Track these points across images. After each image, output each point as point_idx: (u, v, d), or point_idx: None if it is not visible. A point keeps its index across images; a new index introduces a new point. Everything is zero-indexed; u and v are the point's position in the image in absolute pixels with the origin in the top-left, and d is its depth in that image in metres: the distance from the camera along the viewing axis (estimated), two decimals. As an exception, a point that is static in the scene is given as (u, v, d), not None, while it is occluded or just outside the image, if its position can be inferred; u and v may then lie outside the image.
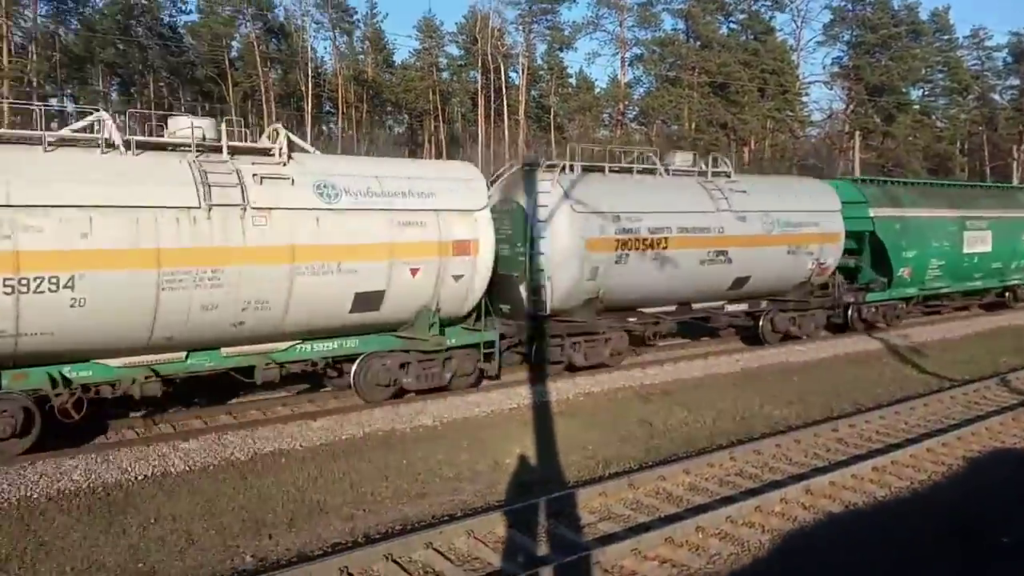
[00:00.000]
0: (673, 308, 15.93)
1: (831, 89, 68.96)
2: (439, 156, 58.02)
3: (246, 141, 11.48)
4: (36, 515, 7.90)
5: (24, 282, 8.84)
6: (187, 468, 9.29)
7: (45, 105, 11.51)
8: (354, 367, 11.98)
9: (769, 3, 65.71)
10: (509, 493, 8.78)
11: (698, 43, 63.27)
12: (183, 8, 60.62)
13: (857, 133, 59.94)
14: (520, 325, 13.85)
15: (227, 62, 57.67)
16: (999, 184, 35.76)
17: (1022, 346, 18.39)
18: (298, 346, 11.34)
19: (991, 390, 13.89)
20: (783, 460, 9.94)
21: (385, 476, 9.23)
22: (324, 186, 10.94)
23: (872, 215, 19.31)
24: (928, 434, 11.04)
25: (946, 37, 67.84)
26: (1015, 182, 56.99)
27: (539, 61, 68.44)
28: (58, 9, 55.03)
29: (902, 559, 7.09)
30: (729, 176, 16.65)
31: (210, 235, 9.95)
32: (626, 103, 65.96)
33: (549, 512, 7.84)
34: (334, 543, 7.42)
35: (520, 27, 66.48)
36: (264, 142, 11.23)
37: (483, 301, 12.69)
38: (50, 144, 9.59)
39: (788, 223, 16.74)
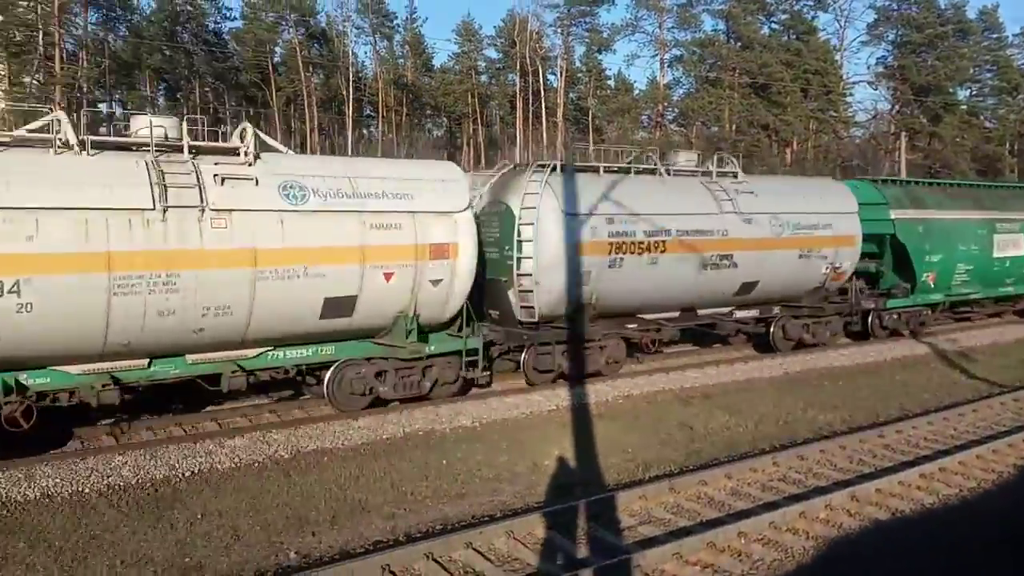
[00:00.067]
0: (676, 314, 15.32)
1: (876, 89, 67.68)
2: (477, 159, 58.31)
3: (223, 141, 11.09)
4: (87, 509, 8.11)
5: None
6: (233, 465, 9.47)
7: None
8: (327, 375, 11.48)
9: (811, 3, 64.76)
10: (548, 495, 8.77)
11: (739, 44, 62.57)
12: (228, 15, 61.92)
13: (903, 134, 58.80)
14: (509, 332, 13.30)
15: (270, 67, 58.66)
16: None
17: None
18: (269, 353, 10.89)
19: (1044, 397, 13.49)
20: (828, 466, 9.78)
21: (425, 476, 9.30)
22: (290, 187, 10.48)
23: (893, 217, 18.45)
24: (978, 441, 10.79)
25: (995, 36, 66.04)
26: (1069, 183, 55.30)
27: (577, 63, 68.42)
28: (107, 16, 56.46)
29: (950, 568, 6.95)
30: (736, 176, 16.01)
31: (164, 238, 9.52)
32: (665, 105, 65.47)
33: (589, 514, 7.82)
34: (375, 541, 7.50)
35: (558, 30, 66.53)
36: (235, 142, 10.79)
37: (465, 307, 12.13)
38: (2, 144, 9.40)
39: (799, 226, 16.05)
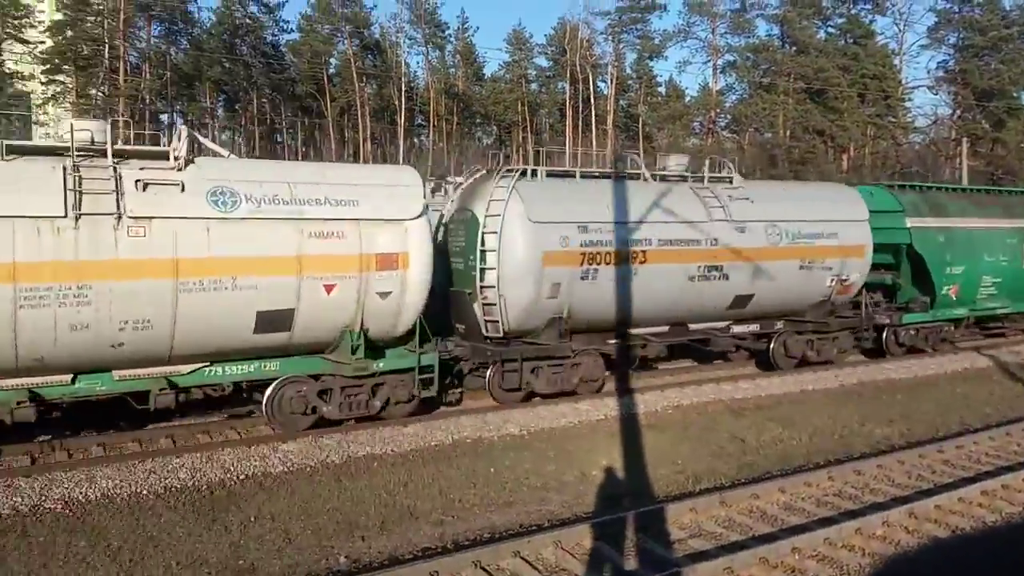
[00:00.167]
0: (665, 329, 14.39)
1: (936, 94, 65.99)
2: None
3: (169, 145, 10.55)
4: (145, 510, 8.33)
5: None
6: (285, 469, 9.62)
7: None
8: (267, 393, 10.85)
9: (869, 7, 63.51)
10: (596, 505, 8.71)
11: (794, 48, 61.63)
12: (285, 27, 63.28)
13: (965, 140, 56.97)
14: (475, 347, 12.62)
15: (325, 78, 59.81)
16: None
17: None
18: (206, 369, 10.38)
19: (1117, 413, 12.91)
20: (885, 481, 9.51)
21: (473, 483, 9.32)
22: (220, 193, 9.88)
23: (909, 225, 17.24)
24: (1045, 458, 10.37)
25: (1063, 37, 63.80)
26: None
27: (628, 70, 68.16)
28: (169, 30, 58.34)
29: (1016, 590, 6.69)
30: (731, 182, 15.04)
31: (76, 247, 9.04)
32: (718, 111, 64.81)
33: (637, 526, 7.74)
34: (424, 547, 7.54)
35: (609, 37, 66.46)
36: (175, 145, 10.26)
37: (419, 321, 11.45)
38: None
39: (800, 234, 14.98)
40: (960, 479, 9.53)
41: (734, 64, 64.43)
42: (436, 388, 11.92)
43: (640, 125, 65.30)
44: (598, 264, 12.78)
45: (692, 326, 14.68)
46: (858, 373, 15.85)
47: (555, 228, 12.43)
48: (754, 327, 15.43)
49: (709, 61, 65.64)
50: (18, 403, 9.35)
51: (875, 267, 17.11)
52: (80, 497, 8.54)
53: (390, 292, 10.96)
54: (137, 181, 9.56)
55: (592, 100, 62.42)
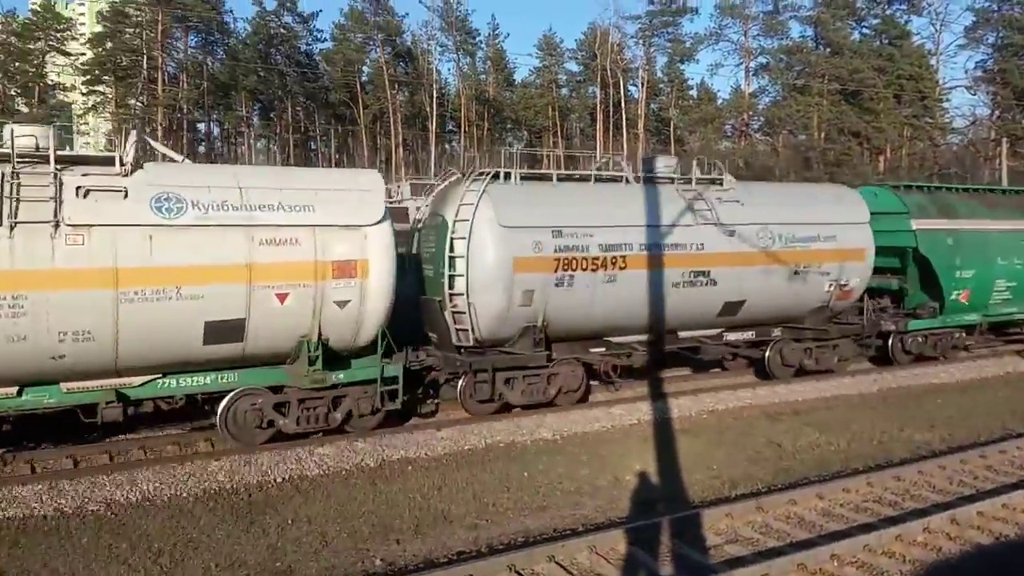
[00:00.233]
0: (653, 337, 13.77)
1: (974, 94, 64.75)
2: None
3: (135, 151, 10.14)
4: (185, 512, 8.46)
5: None
6: (321, 472, 9.72)
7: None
8: (221, 406, 10.48)
9: (904, 7, 62.57)
10: (631, 510, 8.67)
11: (828, 50, 60.94)
12: (319, 36, 64.10)
13: (1004, 140, 55.79)
14: (446, 357, 12.14)
15: (358, 86, 60.48)
16: None
17: None
18: (158, 381, 10.08)
19: None
20: (926, 487, 9.33)
21: (506, 487, 9.32)
22: (165, 199, 9.51)
23: (914, 228, 16.40)
24: (1093, 464, 10.11)
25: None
26: None
27: (659, 74, 67.95)
28: (206, 40, 59.45)
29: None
30: (722, 184, 14.36)
31: (11, 257, 8.79)
32: (750, 113, 64.28)
33: (673, 531, 7.69)
34: (458, 551, 7.56)
35: (640, 41, 66.26)
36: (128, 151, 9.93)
37: (382, 331, 10.96)
38: None
39: (794, 238, 14.25)
40: (1004, 484, 9.30)
41: (767, 66, 63.93)
42: (400, 401, 11.40)
43: (671, 128, 64.99)
44: (574, 270, 12.26)
45: (682, 334, 14.09)
46: (898, 378, 15.58)
47: (527, 233, 11.95)
48: (749, 335, 14.80)
49: (741, 63, 65.21)
50: None
51: (881, 271, 16.60)
52: (122, 499, 8.71)
53: (348, 301, 10.51)
54: (78, 188, 9.24)
55: (623, 104, 62.30)
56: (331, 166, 52.48)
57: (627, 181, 13.65)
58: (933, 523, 7.95)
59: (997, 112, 61.01)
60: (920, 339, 17.03)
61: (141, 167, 9.83)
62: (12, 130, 9.41)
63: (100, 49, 57.48)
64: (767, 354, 15.14)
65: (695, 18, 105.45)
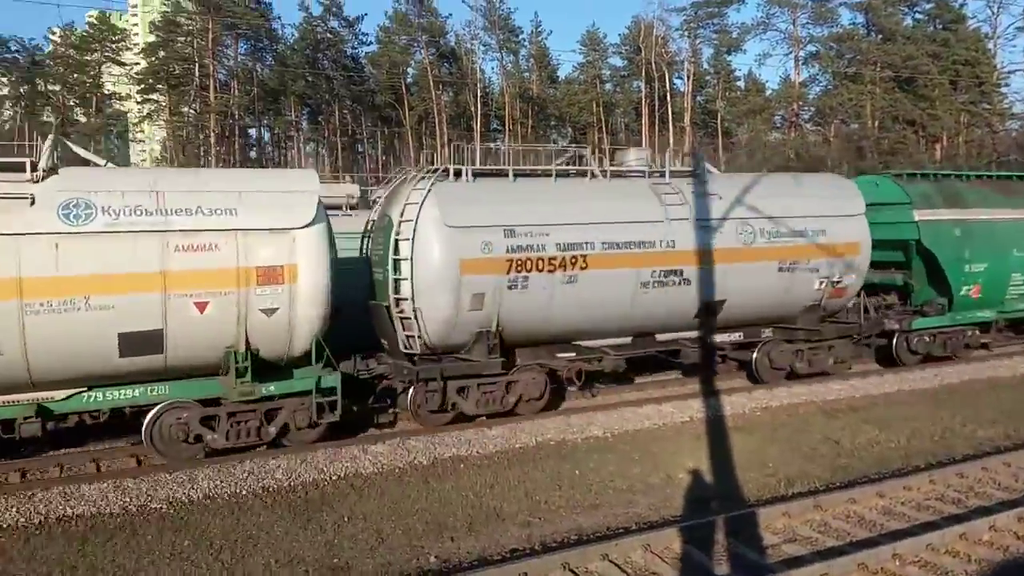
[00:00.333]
0: (628, 340, 13.02)
1: (1036, 77, 62.41)
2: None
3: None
4: (245, 510, 8.65)
5: None
6: (375, 470, 9.84)
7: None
8: (145, 420, 10.09)
9: (960, -10, 60.63)
10: (684, 508, 8.60)
11: (880, 36, 59.44)
12: (364, 40, 64.83)
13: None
14: (396, 364, 11.62)
15: (403, 87, 61.00)
16: None
17: None
18: (84, 394, 9.75)
19: None
20: (991, 484, 9.06)
21: (558, 485, 9.32)
22: (74, 205, 9.16)
23: (917, 219, 15.47)
24: None
25: None
26: None
27: (705, 66, 67.05)
28: (255, 47, 60.57)
29: None
30: (698, 176, 13.59)
31: None
32: (800, 103, 62.98)
33: (728, 530, 7.60)
34: (512, 549, 7.59)
35: (685, 33, 65.48)
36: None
37: (317, 340, 10.45)
38: None
39: (778, 233, 13.38)
40: (1075, 483, 9.00)
41: (817, 55, 62.53)
42: (339, 412, 10.82)
43: (718, 121, 64.14)
44: (528, 271, 11.59)
45: (660, 336, 13.32)
46: (958, 372, 15.17)
47: (476, 233, 11.33)
48: (736, 336, 13.98)
49: (790, 53, 63.88)
50: None
51: (885, 266, 15.88)
52: (183, 497, 8.94)
53: (276, 309, 10.00)
54: None
55: (668, 97, 61.63)
56: (378, 168, 53.10)
57: (593, 176, 13.01)
58: (999, 521, 7.72)
59: (1060, 95, 58.84)
60: (927, 338, 16.04)
61: (56, 172, 9.54)
62: None
63: (153, 58, 59.01)
64: (754, 356, 14.32)
65: (741, 8, 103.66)
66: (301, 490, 9.21)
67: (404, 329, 11.49)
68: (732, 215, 13.14)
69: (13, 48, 63.57)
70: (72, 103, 63.79)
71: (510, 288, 11.51)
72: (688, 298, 12.89)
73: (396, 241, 11.32)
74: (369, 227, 12.64)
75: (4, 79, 66.05)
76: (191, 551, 7.60)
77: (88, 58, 62.75)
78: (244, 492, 9.13)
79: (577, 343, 12.64)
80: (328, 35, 61.66)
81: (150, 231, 9.46)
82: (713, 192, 13.21)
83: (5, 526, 8.16)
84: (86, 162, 10.77)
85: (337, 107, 61.31)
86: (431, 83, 59.93)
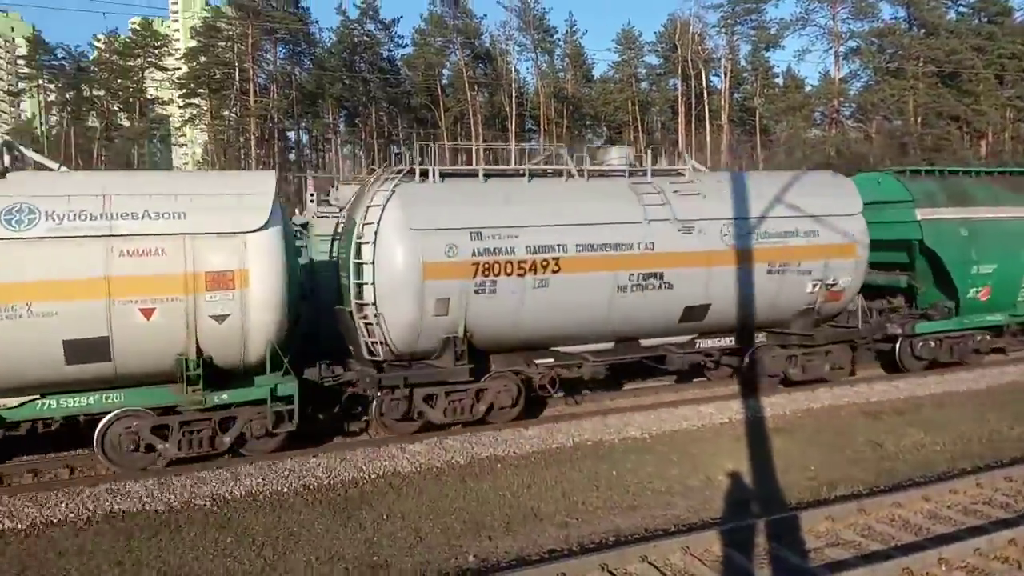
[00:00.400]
0: (610, 345, 12.51)
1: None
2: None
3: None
4: (286, 507, 8.77)
5: None
6: (413, 469, 9.92)
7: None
8: (97, 429, 9.89)
9: (1006, -19, 59.18)
10: (724, 511, 8.52)
11: (922, 31, 58.25)
12: (400, 42, 65.32)
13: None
14: (362, 372, 11.25)
15: (439, 89, 61.32)
16: None
17: None
18: (37, 402, 9.60)
19: None
20: (1042, 489, 8.83)
21: (595, 486, 9.29)
22: (16, 211, 9.02)
23: (919, 218, 14.73)
24: None
25: None
26: None
27: (742, 63, 66.35)
28: (293, 51, 61.39)
29: None
30: (683, 175, 12.99)
31: None
32: (841, 99, 61.96)
33: (769, 533, 7.51)
34: (549, 549, 7.59)
35: (722, 30, 64.84)
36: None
37: (271, 347, 10.09)
38: None
39: (766, 233, 12.75)
40: None
41: (857, 50, 61.49)
42: (296, 421, 10.47)
43: (757, 118, 63.42)
44: (496, 275, 11.13)
45: (645, 342, 12.80)
46: (1008, 373, 14.81)
47: (440, 236, 10.90)
48: (727, 341, 13.31)
49: (830, 48, 62.88)
50: None
51: (890, 267, 15.30)
52: (226, 495, 9.09)
53: (227, 315, 9.72)
54: None
55: (705, 95, 61.10)
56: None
57: (570, 176, 12.48)
58: (1051, 527, 7.52)
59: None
60: (932, 343, 15.23)
61: (3, 177, 9.43)
62: None
63: (194, 63, 60.18)
64: (744, 362, 13.78)
65: (780, 3, 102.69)
66: (341, 488, 9.32)
67: (369, 335, 11.15)
68: (716, 215, 12.57)
69: (60, 55, 65.46)
70: (116, 108, 65.33)
71: (477, 292, 11.12)
72: (670, 302, 12.37)
73: (359, 244, 11.02)
74: (338, 229, 12.46)
75: (51, 85, 67.92)
76: (234, 547, 7.73)
77: (131, 64, 64.26)
78: (285, 489, 9.26)
79: (556, 349, 12.19)
80: (365, 38, 62.25)
81: (94, 236, 9.27)
82: (697, 192, 12.65)
83: (55, 520, 8.39)
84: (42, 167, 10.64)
85: (374, 109, 61.85)
86: (466, 84, 60.17)
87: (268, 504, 8.86)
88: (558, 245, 11.49)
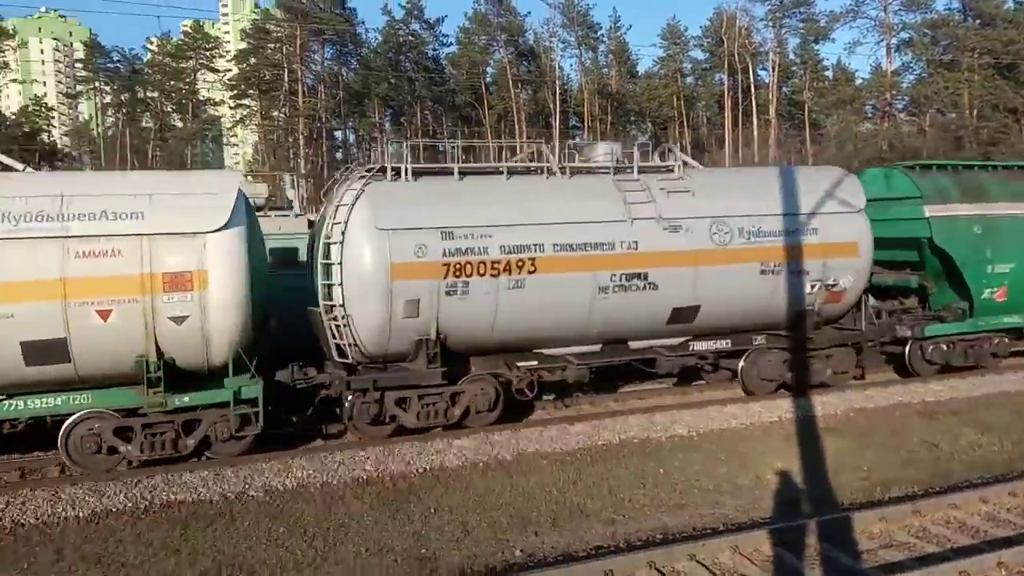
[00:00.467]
0: (596, 348, 12.09)
1: None
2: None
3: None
4: (336, 499, 8.91)
5: None
6: (460, 464, 9.99)
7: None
8: (61, 430, 9.82)
9: (1069, -33, 57.14)
10: (773, 510, 8.41)
11: (978, 21, 56.59)
12: (444, 41, 65.75)
13: None
14: (333, 374, 11.04)
15: (483, 87, 61.59)
16: None
17: None
18: (4, 403, 9.59)
19: None
20: (1107, 493, 8.53)
21: (642, 484, 9.25)
22: None
23: (928, 215, 13.91)
24: None
25: None
26: None
27: (791, 56, 65.27)
28: (340, 52, 62.31)
29: None
30: (671, 171, 12.51)
31: None
32: (893, 93, 60.55)
33: (821, 534, 7.40)
34: (596, 545, 7.58)
35: (770, 23, 63.89)
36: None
37: (236, 348, 9.95)
38: None
39: (759, 232, 12.22)
40: None
41: (910, 42, 60.01)
42: (261, 424, 10.31)
43: (806, 112, 62.33)
44: (468, 276, 10.84)
45: (633, 344, 12.33)
46: (1068, 374, 14.32)
47: (409, 235, 10.64)
48: (723, 343, 12.77)
49: (882, 40, 61.49)
50: None
51: (900, 267, 14.63)
52: (279, 486, 9.28)
53: (187, 317, 9.59)
54: None
55: (752, 90, 60.28)
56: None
57: (551, 172, 12.06)
58: (1117, 532, 7.28)
59: None
60: (944, 346, 14.46)
61: None
62: None
63: (245, 65, 61.40)
64: (740, 366, 13.24)
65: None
66: (389, 481, 9.43)
67: (338, 337, 10.92)
68: (705, 213, 12.07)
69: (115, 58, 67.36)
70: (169, 109, 66.99)
71: (448, 294, 10.83)
72: (655, 304, 11.90)
73: (327, 245, 10.81)
74: (315, 231, 12.16)
75: (107, 87, 69.91)
76: (286, 538, 7.88)
77: (183, 66, 65.82)
78: (336, 482, 9.41)
79: (539, 351, 11.85)
80: (410, 37, 62.87)
81: (50, 237, 9.20)
82: (686, 189, 12.20)
83: (114, 509, 8.66)
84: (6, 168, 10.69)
85: (419, 108, 62.42)
86: (510, 82, 60.34)
87: (319, 495, 9.01)
88: (534, 245, 11.16)
